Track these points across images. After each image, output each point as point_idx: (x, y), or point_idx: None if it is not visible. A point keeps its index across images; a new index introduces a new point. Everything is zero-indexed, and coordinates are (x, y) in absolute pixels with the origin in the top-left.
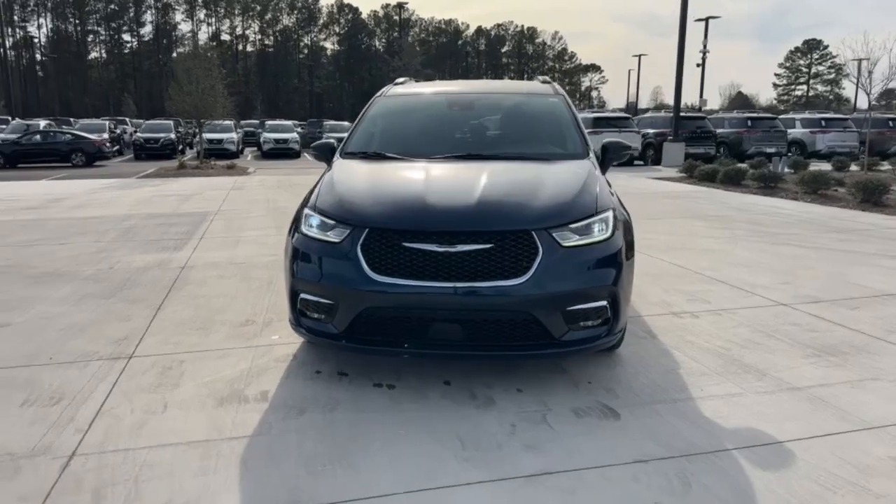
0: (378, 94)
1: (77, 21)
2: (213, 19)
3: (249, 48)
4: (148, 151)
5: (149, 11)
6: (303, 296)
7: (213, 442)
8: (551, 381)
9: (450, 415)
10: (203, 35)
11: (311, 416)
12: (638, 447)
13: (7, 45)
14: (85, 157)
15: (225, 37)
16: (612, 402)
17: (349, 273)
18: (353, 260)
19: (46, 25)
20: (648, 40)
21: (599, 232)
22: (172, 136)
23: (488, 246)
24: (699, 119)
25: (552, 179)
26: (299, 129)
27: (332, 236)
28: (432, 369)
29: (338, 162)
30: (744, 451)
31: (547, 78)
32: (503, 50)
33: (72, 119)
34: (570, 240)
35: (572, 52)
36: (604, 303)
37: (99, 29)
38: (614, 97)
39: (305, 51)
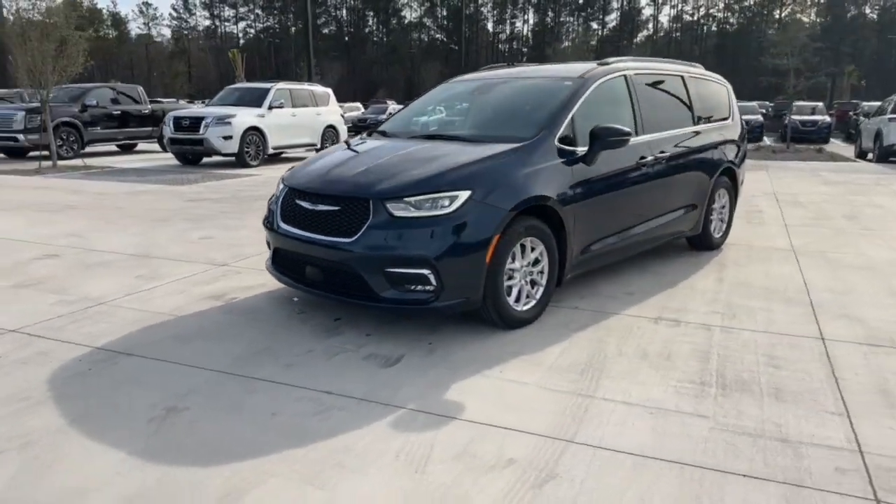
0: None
1: (553, 14)
2: (678, 0)
3: (714, 27)
4: None
5: None
6: (266, 236)
7: (159, 314)
8: (408, 335)
9: (292, 335)
10: (664, 17)
11: (228, 316)
12: (349, 387)
13: (500, 39)
14: None
15: (687, 18)
16: (413, 358)
17: (272, 220)
18: (275, 210)
19: (530, 20)
20: None
21: (433, 207)
22: None
23: (336, 208)
24: None
25: (440, 158)
26: None
27: (277, 193)
28: (341, 309)
29: (351, 138)
30: (409, 411)
31: (608, 60)
32: None
33: None
34: (404, 211)
35: None
36: (425, 271)
37: (570, 20)
38: None
39: (776, 25)
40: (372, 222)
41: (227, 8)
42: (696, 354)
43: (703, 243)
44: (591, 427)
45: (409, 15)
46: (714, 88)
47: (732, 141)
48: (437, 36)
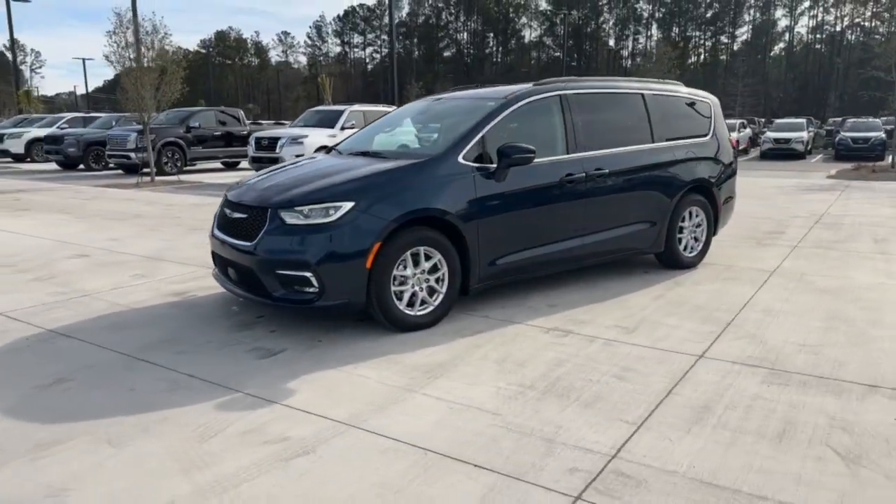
0: None
1: (678, 28)
2: (818, 10)
3: (861, 37)
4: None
5: (748, 12)
6: None
7: (120, 305)
8: (307, 333)
9: (208, 328)
10: (801, 28)
11: (171, 310)
12: (212, 373)
13: (622, 56)
14: None
15: (828, 28)
16: (292, 353)
17: (212, 227)
18: (215, 218)
19: (654, 35)
20: None
21: (319, 216)
22: None
23: (244, 216)
24: None
25: (345, 172)
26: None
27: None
28: (267, 308)
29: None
30: (243, 395)
31: (548, 80)
32: None
33: None
34: (295, 219)
35: None
36: (307, 274)
37: (698, 34)
38: None
39: None
40: (268, 228)
41: (355, 35)
42: (551, 363)
43: (670, 261)
44: (386, 417)
45: (529, 35)
46: (689, 106)
47: (708, 158)
48: (556, 54)
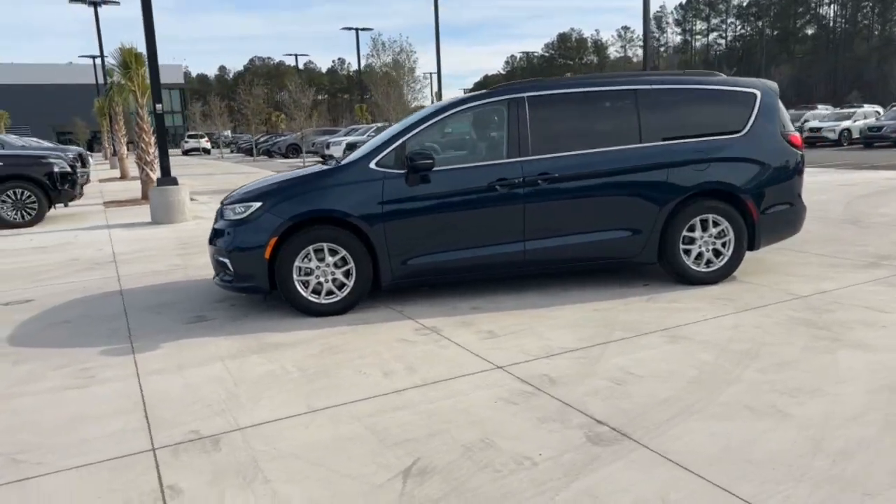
0: None
1: None
2: None
3: None
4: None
5: None
6: None
7: (190, 276)
8: (245, 308)
9: (203, 299)
10: None
11: (207, 284)
12: (141, 328)
13: None
14: None
15: None
16: (210, 321)
17: None
18: None
19: None
20: None
21: (238, 214)
22: None
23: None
24: None
25: (287, 175)
26: None
27: None
28: None
29: None
30: (126, 346)
31: (506, 84)
32: None
33: None
34: (230, 215)
35: None
36: (226, 260)
37: None
38: None
39: None
40: (216, 222)
41: (698, 22)
42: (360, 354)
43: (674, 275)
44: (167, 376)
45: None
46: (718, 99)
47: (738, 158)
48: None
